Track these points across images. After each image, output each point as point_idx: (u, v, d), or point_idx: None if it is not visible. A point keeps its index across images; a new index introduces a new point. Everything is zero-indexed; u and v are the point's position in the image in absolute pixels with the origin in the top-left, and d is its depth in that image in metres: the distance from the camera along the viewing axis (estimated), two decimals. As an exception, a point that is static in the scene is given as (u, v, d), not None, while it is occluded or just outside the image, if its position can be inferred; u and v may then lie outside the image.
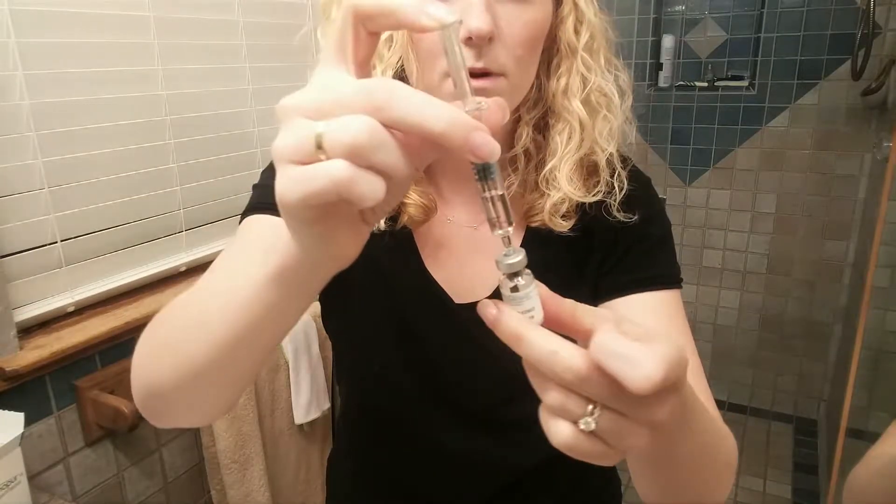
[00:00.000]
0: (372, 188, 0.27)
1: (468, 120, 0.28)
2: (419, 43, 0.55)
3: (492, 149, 0.29)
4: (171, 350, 0.46)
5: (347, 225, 0.32)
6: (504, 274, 0.33)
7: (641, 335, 0.30)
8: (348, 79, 0.31)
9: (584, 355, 0.30)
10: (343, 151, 0.27)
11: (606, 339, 0.29)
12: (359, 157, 0.27)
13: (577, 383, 0.30)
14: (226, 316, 0.41)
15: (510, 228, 0.33)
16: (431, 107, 0.28)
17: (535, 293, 0.33)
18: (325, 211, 0.30)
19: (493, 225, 0.33)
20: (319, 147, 0.28)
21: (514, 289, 0.33)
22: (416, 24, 0.29)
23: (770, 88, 2.37)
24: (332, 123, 0.28)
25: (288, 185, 0.28)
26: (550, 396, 0.31)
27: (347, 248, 0.33)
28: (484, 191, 0.32)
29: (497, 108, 0.31)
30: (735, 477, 0.56)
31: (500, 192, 0.32)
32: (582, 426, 0.30)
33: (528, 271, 0.33)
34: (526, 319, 0.32)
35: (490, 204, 0.32)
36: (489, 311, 0.32)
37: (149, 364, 0.49)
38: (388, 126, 0.28)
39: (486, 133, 0.29)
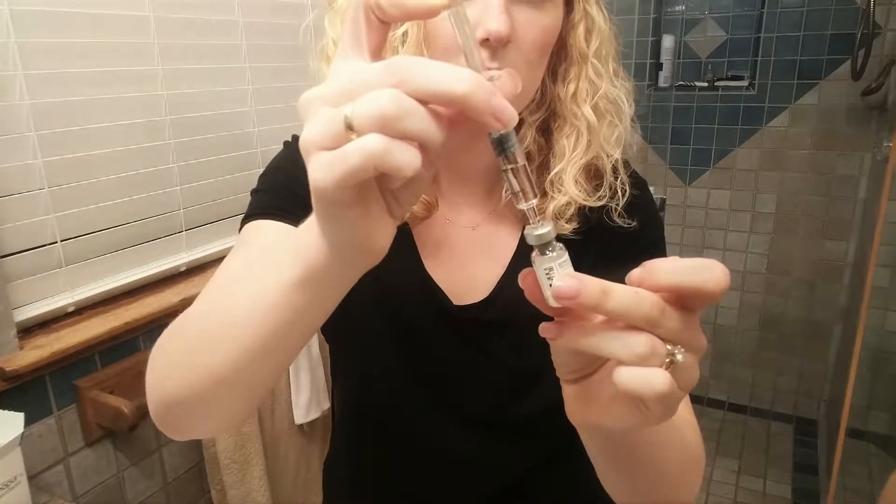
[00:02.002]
0: (408, 157, 0.28)
1: (490, 84, 0.29)
2: (435, 42, 0.54)
3: (512, 113, 0.29)
4: (192, 361, 0.45)
5: (379, 213, 0.32)
6: (536, 246, 0.33)
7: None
8: (366, 64, 0.31)
9: (654, 293, 0.31)
10: (373, 124, 0.27)
11: (672, 263, 0.31)
12: (389, 128, 0.27)
13: (660, 318, 0.31)
14: (252, 322, 0.40)
15: (535, 200, 0.33)
16: (454, 71, 0.28)
17: (568, 259, 0.33)
18: (360, 192, 0.30)
19: (518, 198, 0.33)
20: (349, 128, 0.28)
21: (560, 254, 0.33)
22: (424, 7, 0.30)
23: (770, 88, 2.37)
24: (358, 102, 0.28)
25: (323, 171, 0.28)
26: (640, 344, 0.31)
27: (378, 239, 0.33)
28: (504, 164, 0.33)
29: (509, 78, 0.31)
30: (704, 474, 0.56)
31: (522, 164, 0.33)
32: (679, 356, 0.31)
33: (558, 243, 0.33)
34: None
35: (511, 176, 0.33)
36: (571, 284, 0.30)
37: (167, 376, 0.48)
38: (414, 97, 0.28)
39: (504, 99, 0.29)
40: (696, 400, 2.78)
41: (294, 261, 0.37)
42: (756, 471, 2.37)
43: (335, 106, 0.29)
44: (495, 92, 0.29)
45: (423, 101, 0.28)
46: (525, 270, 0.34)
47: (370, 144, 0.27)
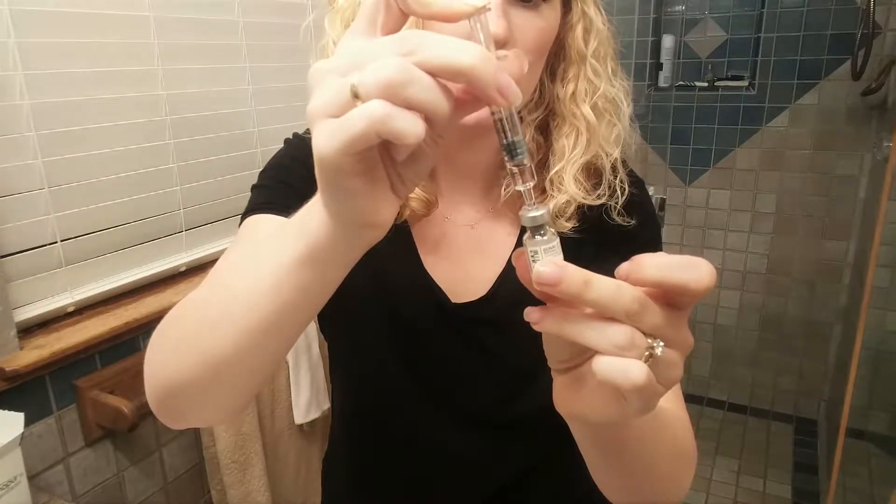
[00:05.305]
0: (410, 123, 0.28)
1: (497, 61, 0.29)
2: None
3: (516, 91, 0.30)
4: (194, 344, 0.45)
5: (383, 188, 0.33)
6: (530, 228, 0.34)
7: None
8: (376, 39, 0.32)
9: (637, 288, 0.31)
10: (378, 91, 0.28)
11: (658, 259, 0.31)
12: (394, 95, 0.28)
13: (640, 312, 0.31)
14: (254, 303, 0.40)
15: (532, 182, 0.34)
16: (461, 44, 0.29)
17: (558, 247, 0.34)
18: (364, 162, 0.30)
19: (516, 180, 0.34)
20: (356, 96, 0.28)
21: (550, 239, 0.33)
22: (449, 12, 0.30)
23: (770, 88, 2.37)
24: (365, 70, 0.28)
25: (327, 138, 0.29)
26: (619, 335, 0.31)
27: (382, 213, 0.33)
28: (510, 163, 0.33)
29: (516, 58, 0.31)
30: (695, 471, 0.56)
31: (528, 164, 0.33)
32: (658, 351, 0.32)
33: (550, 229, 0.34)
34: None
35: (515, 166, 0.33)
36: (553, 271, 0.31)
37: (168, 361, 0.47)
38: (422, 68, 0.28)
39: (509, 77, 0.30)
40: (696, 400, 2.78)
41: (297, 238, 0.37)
42: (756, 471, 2.37)
43: (343, 76, 0.29)
44: (502, 69, 0.29)
45: (431, 73, 0.28)
46: (519, 250, 0.35)
47: (373, 109, 0.27)
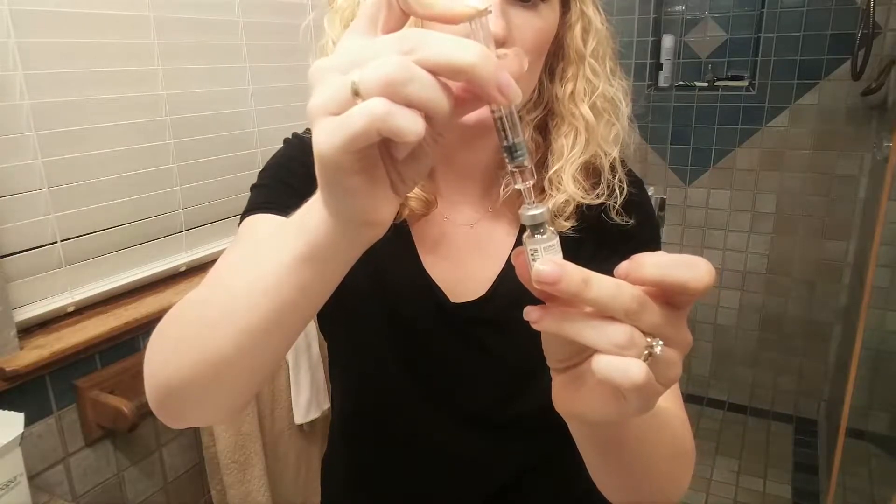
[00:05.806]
0: (411, 121, 0.28)
1: (496, 59, 0.29)
2: None
3: (516, 90, 0.30)
4: (193, 344, 0.45)
5: (382, 186, 0.33)
6: (529, 226, 0.34)
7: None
8: (377, 37, 0.32)
9: (637, 287, 0.32)
10: (378, 89, 0.28)
11: (658, 258, 0.31)
12: (394, 93, 0.28)
13: (639, 311, 0.31)
14: (254, 302, 0.40)
15: (532, 181, 0.34)
16: (462, 42, 0.29)
17: (557, 246, 0.34)
18: (364, 160, 0.31)
19: (516, 178, 0.34)
20: (356, 94, 0.28)
21: (549, 238, 0.34)
22: (450, 14, 0.31)
23: (770, 88, 2.37)
24: (365, 68, 0.28)
25: (327, 136, 0.29)
26: (618, 334, 0.31)
27: (381, 212, 0.34)
28: (511, 165, 0.34)
29: (516, 57, 0.32)
30: (695, 471, 0.56)
31: (528, 166, 0.34)
32: (657, 349, 0.32)
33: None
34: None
35: (515, 167, 0.34)
36: (552, 269, 0.31)
37: (167, 361, 0.47)
38: (422, 66, 0.28)
39: (509, 76, 0.30)
40: (696, 400, 2.78)
41: (297, 236, 0.37)
42: (756, 471, 2.37)
43: (344, 74, 0.29)
44: (502, 67, 0.29)
45: (432, 72, 0.29)
46: (518, 248, 0.35)
47: (373, 107, 0.27)
